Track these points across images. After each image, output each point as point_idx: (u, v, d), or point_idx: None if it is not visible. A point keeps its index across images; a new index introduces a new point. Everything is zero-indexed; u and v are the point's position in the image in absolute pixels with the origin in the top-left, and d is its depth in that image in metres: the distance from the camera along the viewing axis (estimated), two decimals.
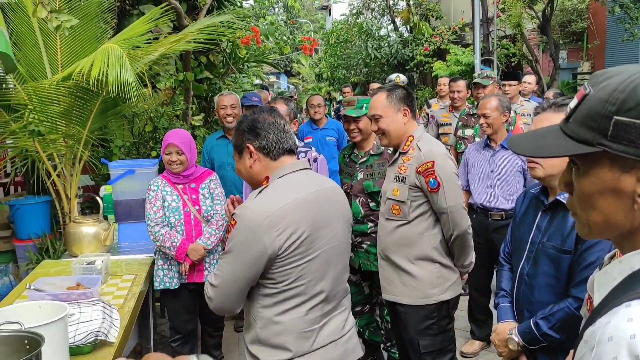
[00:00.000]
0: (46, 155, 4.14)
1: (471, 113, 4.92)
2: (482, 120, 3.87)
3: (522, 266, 2.17)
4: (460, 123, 5.04)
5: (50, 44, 4.38)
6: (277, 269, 1.78)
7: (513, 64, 12.21)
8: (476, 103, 5.01)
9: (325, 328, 1.91)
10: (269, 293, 1.82)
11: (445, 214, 2.56)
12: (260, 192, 1.87)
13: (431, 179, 2.54)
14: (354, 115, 3.35)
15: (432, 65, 12.96)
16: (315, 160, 3.22)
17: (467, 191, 4.03)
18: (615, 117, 0.85)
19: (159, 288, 3.40)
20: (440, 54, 13.62)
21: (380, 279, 2.85)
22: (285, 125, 1.98)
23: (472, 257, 2.72)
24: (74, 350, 2.16)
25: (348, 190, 3.39)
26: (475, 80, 5.27)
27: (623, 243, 0.94)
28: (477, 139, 4.67)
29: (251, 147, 1.93)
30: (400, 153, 2.70)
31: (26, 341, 1.66)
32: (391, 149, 3.07)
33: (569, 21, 12.75)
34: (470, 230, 2.64)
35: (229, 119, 4.27)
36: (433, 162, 2.55)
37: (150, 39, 4.38)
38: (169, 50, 4.35)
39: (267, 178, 1.92)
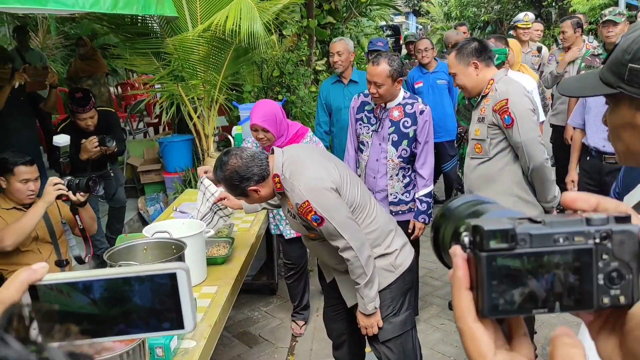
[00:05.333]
0: (188, 99, 4.71)
1: (596, 54, 4.72)
2: None
3: None
4: (583, 64, 4.85)
5: None
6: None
7: None
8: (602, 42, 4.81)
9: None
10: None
11: (521, 148, 2.68)
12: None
13: (506, 116, 2.67)
14: None
15: None
16: (422, 112, 3.17)
17: (583, 130, 3.97)
18: (630, 64, 1.01)
19: (275, 233, 3.64)
20: None
21: None
22: None
23: (554, 191, 2.80)
24: (210, 261, 2.64)
25: (463, 134, 3.53)
26: (606, 18, 4.97)
27: None
28: None
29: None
30: (482, 97, 2.83)
31: (173, 247, 2.12)
32: None
33: None
34: (548, 164, 2.71)
35: (337, 65, 4.31)
36: (507, 100, 2.67)
37: None
38: (293, 0, 4.66)
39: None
